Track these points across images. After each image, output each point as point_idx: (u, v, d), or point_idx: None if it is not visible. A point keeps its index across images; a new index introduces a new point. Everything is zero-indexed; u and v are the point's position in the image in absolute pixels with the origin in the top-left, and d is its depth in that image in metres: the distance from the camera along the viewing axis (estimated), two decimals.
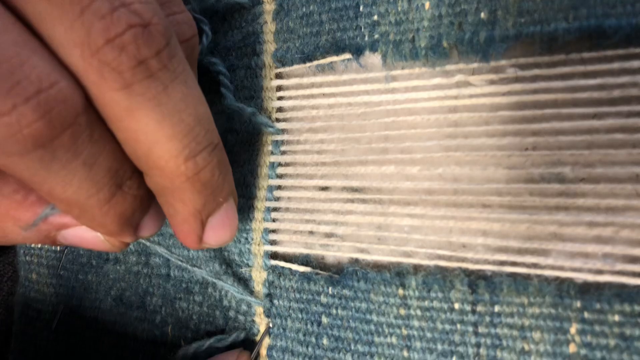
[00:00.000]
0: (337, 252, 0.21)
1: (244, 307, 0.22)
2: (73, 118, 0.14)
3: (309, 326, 0.21)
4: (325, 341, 0.21)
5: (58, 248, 0.27)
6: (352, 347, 0.20)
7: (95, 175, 0.15)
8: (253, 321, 0.22)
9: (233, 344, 0.23)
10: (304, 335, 0.21)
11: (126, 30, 0.13)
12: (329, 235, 0.21)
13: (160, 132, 0.15)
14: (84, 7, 0.13)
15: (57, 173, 0.14)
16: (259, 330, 0.22)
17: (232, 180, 0.18)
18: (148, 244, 0.23)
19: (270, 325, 0.22)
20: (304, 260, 0.21)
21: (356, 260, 0.20)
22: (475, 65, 0.18)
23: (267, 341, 0.22)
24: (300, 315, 0.21)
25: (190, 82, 0.15)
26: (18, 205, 0.17)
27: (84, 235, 0.18)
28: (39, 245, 0.28)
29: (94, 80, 0.14)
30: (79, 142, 0.14)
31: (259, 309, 0.22)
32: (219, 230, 0.18)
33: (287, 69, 0.21)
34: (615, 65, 0.16)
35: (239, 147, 0.23)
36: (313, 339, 0.21)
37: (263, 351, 0.22)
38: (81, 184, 0.15)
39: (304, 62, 0.21)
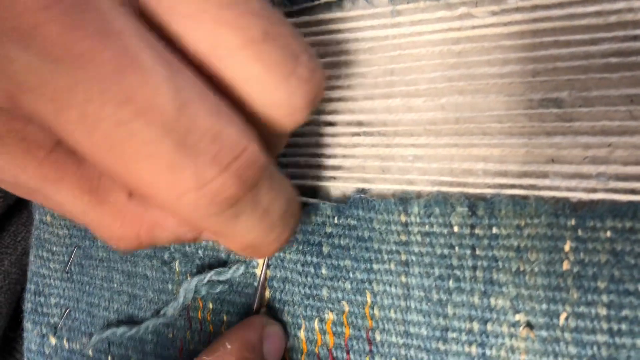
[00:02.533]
0: (344, 184, 0.21)
1: None
2: (259, 177, 0.15)
3: (308, 257, 0.22)
4: (324, 270, 0.22)
5: None
6: (351, 275, 0.21)
7: (271, 220, 0.16)
8: None
9: (232, 278, 0.23)
10: (303, 265, 0.22)
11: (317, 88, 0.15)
12: (335, 168, 0.22)
13: None
14: (292, 70, 0.14)
15: (242, 224, 0.16)
16: (257, 263, 0.23)
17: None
18: None
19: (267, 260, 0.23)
20: (313, 193, 0.22)
21: (362, 191, 0.21)
22: None
23: (267, 273, 0.23)
24: (301, 247, 0.22)
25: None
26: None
27: None
28: None
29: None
30: (261, 195, 0.15)
31: None
32: None
33: (295, 8, 0.22)
34: None
35: None
36: (312, 269, 0.22)
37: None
38: (260, 230, 0.16)
39: (312, 1, 0.22)
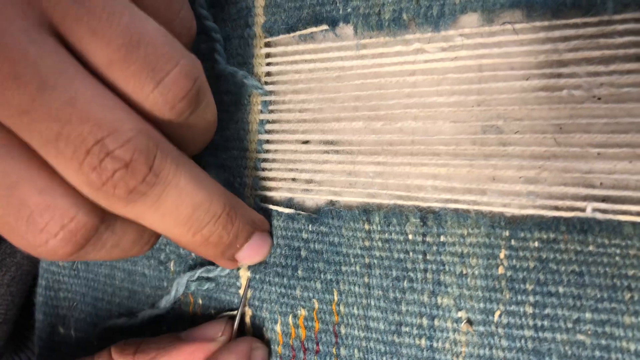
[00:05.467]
0: (315, 196, 0.24)
1: None
2: (92, 233, 0.18)
3: (288, 260, 0.25)
4: (300, 272, 0.24)
5: None
6: (322, 276, 0.24)
7: (121, 249, 0.20)
8: None
9: (219, 278, 0.26)
10: (281, 268, 0.25)
11: (113, 174, 0.17)
12: (308, 181, 0.25)
13: (165, 224, 0.20)
14: (80, 162, 0.17)
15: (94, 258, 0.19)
16: (241, 265, 0.26)
17: (247, 223, 0.22)
18: None
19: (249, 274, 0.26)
20: (289, 203, 0.25)
21: (331, 202, 0.24)
22: (429, 35, 0.22)
23: (249, 293, 0.26)
24: (284, 251, 0.25)
25: (184, 179, 0.19)
26: None
27: None
28: None
29: (106, 204, 0.18)
30: (102, 240, 0.19)
31: None
32: (248, 258, 0.24)
33: (274, 39, 0.25)
34: (541, 34, 0.20)
35: (234, 107, 0.26)
36: (289, 271, 0.25)
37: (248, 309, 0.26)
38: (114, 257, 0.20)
39: (289, 33, 0.24)
